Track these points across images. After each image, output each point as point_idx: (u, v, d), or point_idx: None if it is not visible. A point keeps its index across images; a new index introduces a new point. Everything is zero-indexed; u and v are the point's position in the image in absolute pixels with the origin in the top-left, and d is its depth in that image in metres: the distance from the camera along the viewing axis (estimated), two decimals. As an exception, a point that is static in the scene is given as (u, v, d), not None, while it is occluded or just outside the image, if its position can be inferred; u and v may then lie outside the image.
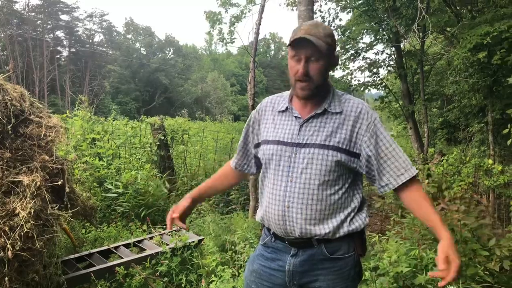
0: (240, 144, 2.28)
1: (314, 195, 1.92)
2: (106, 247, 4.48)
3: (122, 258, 4.20)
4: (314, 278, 1.99)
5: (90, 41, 59.19)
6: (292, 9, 9.82)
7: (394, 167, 1.93)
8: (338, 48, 10.33)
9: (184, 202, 2.19)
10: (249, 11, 6.10)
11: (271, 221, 2.03)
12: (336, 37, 9.15)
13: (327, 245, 1.97)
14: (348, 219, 1.97)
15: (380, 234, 4.33)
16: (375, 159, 1.94)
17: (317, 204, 1.93)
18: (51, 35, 55.35)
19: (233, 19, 6.22)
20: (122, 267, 3.88)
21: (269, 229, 2.09)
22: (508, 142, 6.29)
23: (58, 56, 55.88)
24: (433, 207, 1.93)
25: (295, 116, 2.01)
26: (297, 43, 1.87)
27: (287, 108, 2.05)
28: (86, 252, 4.34)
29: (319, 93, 1.98)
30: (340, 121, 1.94)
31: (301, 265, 1.99)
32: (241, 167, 2.30)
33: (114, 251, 4.43)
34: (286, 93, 2.13)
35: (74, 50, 57.23)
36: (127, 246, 4.54)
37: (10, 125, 3.39)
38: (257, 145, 2.17)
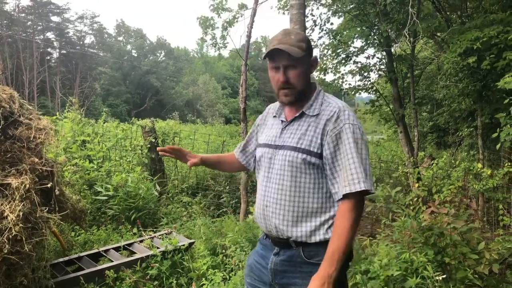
0: (245, 140, 2.44)
1: (287, 196, 1.97)
2: (96, 250, 4.44)
3: (112, 261, 4.17)
4: (293, 281, 1.99)
5: (81, 42, 58.84)
6: (284, 13, 9.84)
7: (344, 176, 1.86)
8: (325, 51, 10.39)
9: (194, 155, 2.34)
10: (241, 16, 6.10)
11: (257, 219, 2.14)
12: (328, 41, 9.18)
13: (305, 248, 1.97)
14: (326, 226, 1.95)
15: (371, 238, 4.33)
16: (331, 163, 1.91)
17: (289, 205, 1.96)
18: (42, 37, 54.96)
19: (225, 24, 6.22)
20: (112, 270, 3.85)
21: None
22: (497, 147, 6.35)
23: (48, 58, 55.49)
24: (342, 236, 1.81)
25: (281, 120, 2.10)
26: (272, 54, 1.95)
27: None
28: (76, 256, 4.30)
29: (303, 97, 2.03)
30: (314, 124, 1.97)
31: (282, 264, 2.02)
32: (242, 159, 2.43)
33: (104, 254, 4.40)
34: None
35: (64, 51, 56.85)
36: (117, 249, 4.50)
37: (0, 127, 3.35)
38: (256, 148, 2.28)
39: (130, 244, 4.61)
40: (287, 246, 2.01)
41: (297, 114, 2.02)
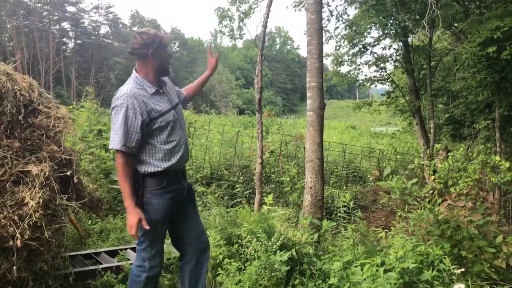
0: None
1: None
2: (115, 248, 4.49)
3: (129, 259, 4.20)
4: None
5: (96, 33, 59.27)
6: (300, 10, 9.74)
7: None
8: (341, 42, 10.29)
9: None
10: (257, 7, 6.10)
11: (183, 159, 3.12)
12: (344, 32, 9.09)
13: None
14: None
15: (386, 230, 4.32)
16: None
17: None
18: (57, 27, 55.45)
19: (241, 15, 6.22)
20: (129, 263, 3.88)
21: None
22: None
23: (64, 48, 56.00)
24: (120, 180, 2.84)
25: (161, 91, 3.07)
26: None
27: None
28: (94, 251, 4.35)
29: None
30: None
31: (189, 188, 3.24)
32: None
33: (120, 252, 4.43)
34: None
35: (80, 41, 57.31)
36: (133, 249, 4.53)
37: (20, 115, 3.40)
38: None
39: None
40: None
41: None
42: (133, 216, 2.76)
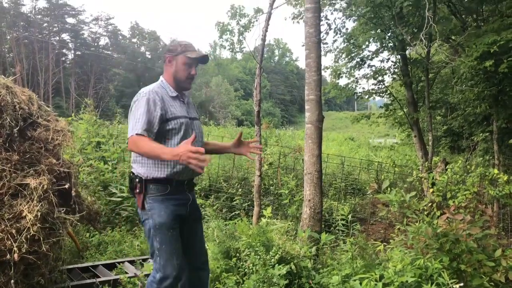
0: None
1: None
2: (112, 261, 4.46)
3: (126, 273, 4.18)
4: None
5: (96, 44, 59.51)
6: (298, 22, 9.84)
7: None
8: (340, 55, 10.36)
9: None
10: (256, 20, 6.16)
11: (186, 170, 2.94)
12: (343, 45, 9.16)
13: None
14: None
15: (384, 243, 4.31)
16: None
17: None
18: (57, 38, 55.71)
19: (241, 28, 6.29)
20: (126, 277, 3.86)
21: None
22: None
23: (64, 59, 56.20)
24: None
25: (181, 100, 3.01)
26: (201, 58, 2.96)
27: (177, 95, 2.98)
28: (91, 264, 4.33)
29: None
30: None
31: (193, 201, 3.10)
32: None
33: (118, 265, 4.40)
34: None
35: (79, 53, 57.52)
36: (132, 262, 4.51)
37: (18, 128, 3.41)
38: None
39: (146, 259, 4.55)
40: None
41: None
42: (176, 150, 2.46)
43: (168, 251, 2.78)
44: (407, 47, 9.49)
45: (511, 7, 8.71)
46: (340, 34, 10.01)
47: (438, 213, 4.21)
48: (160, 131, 2.78)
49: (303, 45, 5.33)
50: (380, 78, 10.34)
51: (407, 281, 3.10)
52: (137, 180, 2.80)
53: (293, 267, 3.74)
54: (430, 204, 4.62)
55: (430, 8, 6.99)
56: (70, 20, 56.47)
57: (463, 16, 10.09)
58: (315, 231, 4.72)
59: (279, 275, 3.49)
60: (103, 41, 61.70)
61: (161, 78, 3.02)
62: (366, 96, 10.70)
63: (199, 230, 3.13)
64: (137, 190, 2.80)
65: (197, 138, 2.92)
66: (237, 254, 4.13)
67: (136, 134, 2.63)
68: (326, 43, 10.11)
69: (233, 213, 7.18)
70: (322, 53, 5.09)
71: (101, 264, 4.35)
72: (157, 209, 2.78)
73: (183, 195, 2.93)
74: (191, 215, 3.00)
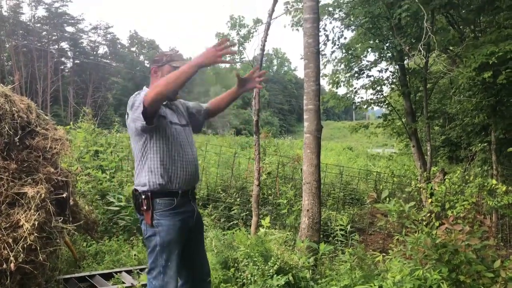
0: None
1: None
2: (109, 271, 4.43)
3: (124, 283, 4.15)
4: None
5: (94, 53, 59.66)
6: (297, 30, 9.87)
7: None
8: (338, 65, 10.39)
9: None
10: (255, 31, 6.21)
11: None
12: (340, 55, 9.20)
13: None
14: None
15: (383, 254, 4.29)
16: None
17: None
18: (56, 46, 55.81)
19: (241, 39, 6.33)
20: (123, 287, 3.83)
21: None
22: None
23: (62, 67, 56.28)
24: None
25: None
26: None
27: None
28: (88, 273, 4.30)
29: None
30: None
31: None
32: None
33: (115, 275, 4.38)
34: None
35: (78, 61, 57.63)
36: (129, 272, 4.48)
37: (17, 137, 3.40)
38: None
39: (143, 269, 4.51)
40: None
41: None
42: (205, 52, 2.50)
43: (173, 268, 2.72)
44: (406, 57, 9.54)
45: (509, 18, 8.77)
46: (338, 44, 10.06)
47: (437, 224, 4.19)
48: (154, 133, 2.71)
49: (301, 58, 5.35)
50: (378, 88, 10.38)
51: (406, 292, 3.08)
52: (143, 197, 2.70)
53: (291, 277, 3.71)
54: (429, 215, 4.60)
55: (428, 19, 7.04)
56: (69, 28, 56.67)
57: (460, 27, 10.15)
58: (314, 241, 4.70)
59: (277, 285, 3.47)
60: (102, 49, 61.90)
61: (146, 89, 2.82)
62: (365, 106, 10.74)
63: (203, 241, 3.10)
64: (144, 207, 2.70)
65: (188, 146, 2.89)
66: (235, 264, 4.11)
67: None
68: (325, 54, 10.13)
69: (231, 223, 7.14)
70: (321, 63, 5.10)
71: (98, 274, 4.32)
72: (165, 225, 2.70)
73: (189, 206, 2.87)
74: (196, 225, 2.96)
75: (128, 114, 2.75)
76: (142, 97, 2.59)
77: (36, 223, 3.10)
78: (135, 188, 2.78)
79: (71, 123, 8.11)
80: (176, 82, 2.50)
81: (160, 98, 2.55)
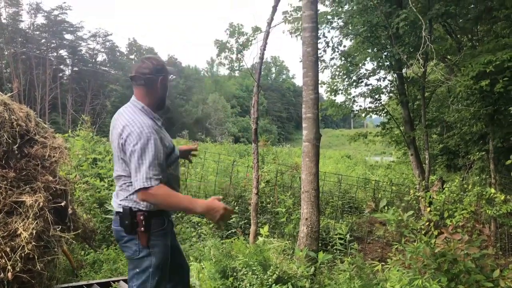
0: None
1: None
2: (107, 280, 4.41)
3: None
4: None
5: (93, 60, 59.72)
6: (296, 37, 9.90)
7: None
8: (337, 73, 10.38)
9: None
10: (255, 39, 6.24)
11: None
12: (339, 63, 9.21)
13: None
14: None
15: (382, 263, 4.28)
16: None
17: None
18: (55, 54, 55.85)
19: (240, 47, 6.35)
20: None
21: None
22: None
23: (61, 75, 56.28)
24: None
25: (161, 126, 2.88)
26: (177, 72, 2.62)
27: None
28: (86, 282, 4.27)
29: None
30: None
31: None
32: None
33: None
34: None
35: (77, 69, 57.67)
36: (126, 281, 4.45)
37: (16, 145, 3.39)
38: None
39: None
40: None
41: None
42: (212, 204, 2.46)
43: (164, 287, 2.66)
44: (404, 66, 9.58)
45: (506, 28, 8.84)
46: (337, 51, 10.09)
47: (435, 233, 4.19)
48: None
49: (300, 61, 5.35)
50: (376, 96, 10.40)
51: (405, 302, 3.07)
52: (141, 217, 2.50)
53: (290, 287, 3.70)
54: (427, 223, 4.60)
55: (426, 28, 7.08)
56: (68, 36, 56.70)
57: (458, 36, 10.21)
58: (312, 250, 4.69)
59: (276, 295, 3.46)
60: (101, 57, 61.93)
61: (140, 104, 2.72)
62: (363, 114, 10.76)
63: (179, 244, 3.04)
64: (142, 229, 2.50)
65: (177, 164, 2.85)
66: (234, 274, 4.09)
67: (152, 185, 2.39)
68: (324, 60, 10.14)
69: (229, 232, 7.12)
70: (319, 69, 5.11)
71: (96, 283, 4.29)
72: (160, 247, 2.57)
73: (172, 223, 2.81)
74: (173, 234, 2.90)
75: (115, 137, 2.62)
76: (140, 182, 2.41)
77: (34, 232, 3.09)
78: (127, 206, 2.54)
79: (69, 130, 8.11)
80: (171, 207, 2.58)
81: (152, 204, 2.49)
